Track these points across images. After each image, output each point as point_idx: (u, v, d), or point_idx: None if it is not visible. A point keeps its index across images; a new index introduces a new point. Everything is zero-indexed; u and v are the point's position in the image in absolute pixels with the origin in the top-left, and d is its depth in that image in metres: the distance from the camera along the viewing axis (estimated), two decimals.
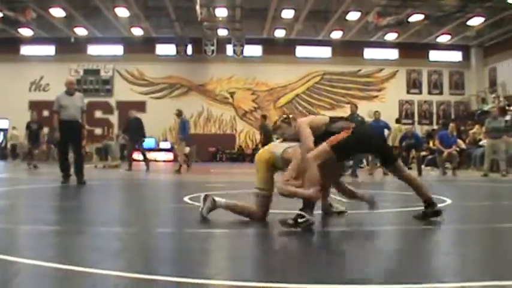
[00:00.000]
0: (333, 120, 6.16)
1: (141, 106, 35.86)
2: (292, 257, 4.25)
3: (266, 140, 21.39)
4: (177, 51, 36.78)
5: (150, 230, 5.67)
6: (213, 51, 36.47)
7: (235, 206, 6.30)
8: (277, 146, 6.32)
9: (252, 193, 6.19)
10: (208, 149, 37.40)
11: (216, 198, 6.23)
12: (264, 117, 22.74)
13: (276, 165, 6.15)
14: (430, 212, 5.96)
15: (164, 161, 34.74)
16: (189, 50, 36.91)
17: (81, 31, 34.87)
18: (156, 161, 33.72)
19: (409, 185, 6.16)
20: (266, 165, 6.16)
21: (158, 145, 36.50)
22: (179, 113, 20.61)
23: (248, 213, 6.22)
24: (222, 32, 35.54)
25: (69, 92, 12.27)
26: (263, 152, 6.33)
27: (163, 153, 35.94)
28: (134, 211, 7.75)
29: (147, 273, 3.42)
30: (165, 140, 36.79)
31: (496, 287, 3.20)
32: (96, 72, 37.76)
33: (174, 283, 3.19)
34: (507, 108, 29.74)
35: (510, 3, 29.30)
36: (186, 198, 8.63)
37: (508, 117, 26.88)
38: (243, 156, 37.42)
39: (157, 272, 3.52)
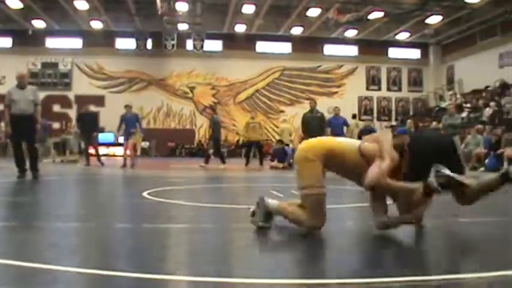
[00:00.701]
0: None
1: (99, 100, 35.60)
2: (253, 252, 4.24)
3: (215, 133, 21.15)
4: (137, 46, 36.47)
5: (109, 226, 5.60)
6: (173, 45, 36.27)
7: (285, 209, 5.06)
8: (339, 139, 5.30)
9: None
10: (167, 143, 37.30)
11: (269, 201, 5.09)
12: (212, 109, 22.37)
13: (333, 159, 4.93)
14: None
15: (123, 156, 34.39)
16: (149, 44, 36.60)
17: (39, 23, 34.39)
18: (114, 155, 33.41)
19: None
20: (319, 158, 4.90)
21: (117, 140, 36.10)
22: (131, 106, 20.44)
23: (296, 220, 5.00)
24: (183, 27, 35.38)
25: (21, 86, 12.07)
26: (311, 144, 5.13)
27: (122, 148, 35.52)
28: (92, 206, 7.65)
29: (105, 269, 3.38)
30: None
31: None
32: (55, 65, 37.24)
33: (133, 279, 3.16)
34: (464, 105, 30.28)
35: (467, 3, 29.78)
36: (145, 194, 8.57)
37: (464, 114, 27.42)
38: (202, 152, 37.28)
39: (116, 267, 3.49)
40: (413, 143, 4.92)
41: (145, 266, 3.56)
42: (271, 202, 5.04)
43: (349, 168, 4.93)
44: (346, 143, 5.08)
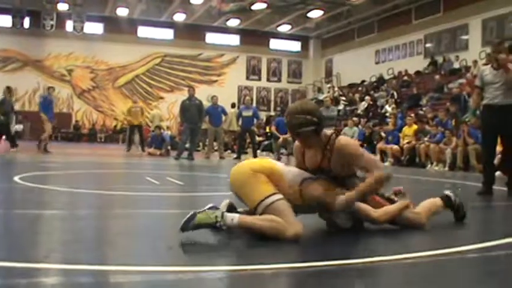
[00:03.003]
0: None
1: None
2: (127, 239, 4.19)
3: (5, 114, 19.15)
4: (13, 23, 34.99)
5: None
6: (52, 25, 35.12)
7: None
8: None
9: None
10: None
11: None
12: (8, 89, 20.20)
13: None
14: None
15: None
16: (27, 23, 35.20)
17: None
18: None
19: None
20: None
21: None
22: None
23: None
24: (62, 7, 34.32)
25: None
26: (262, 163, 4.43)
27: None
28: None
29: None
30: None
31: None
32: None
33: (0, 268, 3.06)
34: (340, 98, 31.24)
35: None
36: (16, 178, 8.29)
37: (340, 107, 28.28)
38: (79, 136, 36.65)
39: None
40: None
41: (14, 253, 3.45)
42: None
43: None
44: None
